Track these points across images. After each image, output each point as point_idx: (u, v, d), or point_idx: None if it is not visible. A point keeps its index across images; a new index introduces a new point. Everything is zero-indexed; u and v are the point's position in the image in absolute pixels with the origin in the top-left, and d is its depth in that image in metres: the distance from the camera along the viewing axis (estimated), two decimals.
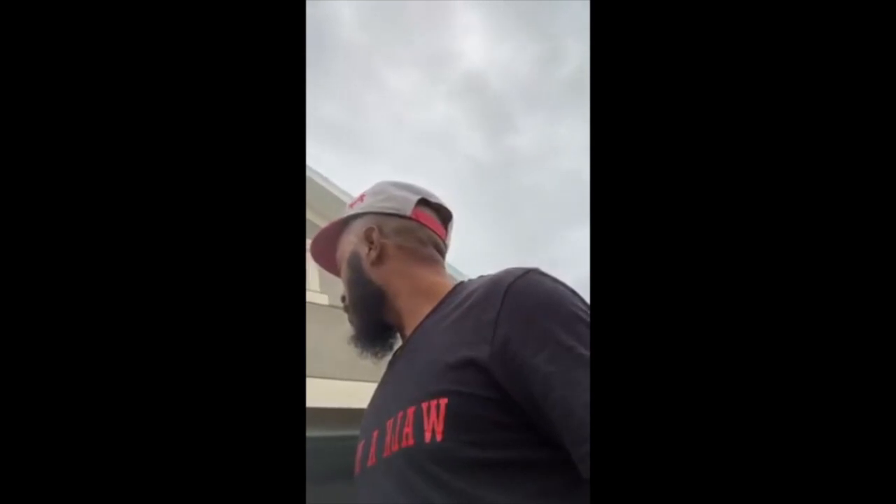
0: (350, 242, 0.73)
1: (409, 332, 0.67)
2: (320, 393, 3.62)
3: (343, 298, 0.74)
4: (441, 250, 0.74)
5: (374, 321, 0.71)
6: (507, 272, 0.57)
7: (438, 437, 0.50)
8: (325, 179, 5.34)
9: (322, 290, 5.06)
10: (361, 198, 0.75)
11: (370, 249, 0.70)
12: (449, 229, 0.77)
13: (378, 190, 0.75)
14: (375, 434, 0.59)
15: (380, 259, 0.69)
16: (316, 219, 5.29)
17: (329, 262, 0.79)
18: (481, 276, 0.63)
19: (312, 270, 5.09)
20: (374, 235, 0.70)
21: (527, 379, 0.49)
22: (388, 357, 0.72)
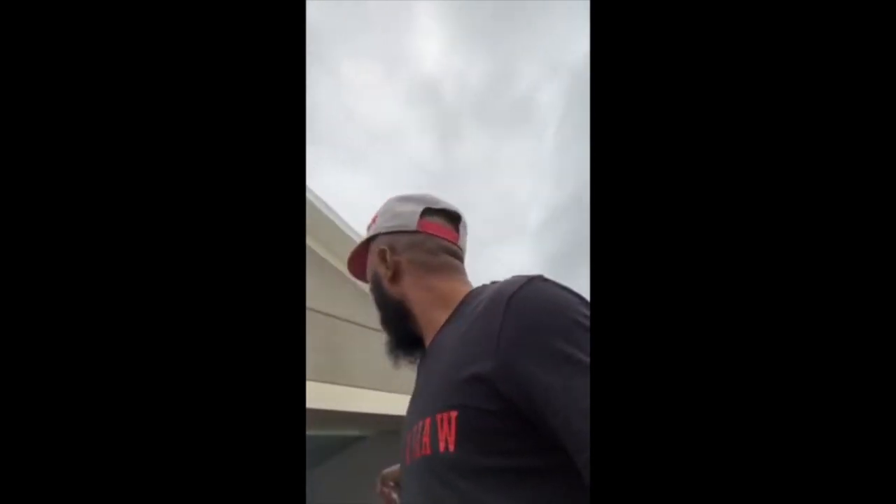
0: (371, 264, 0.78)
1: (429, 340, 0.70)
2: None
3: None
4: (455, 254, 0.76)
5: (402, 334, 0.74)
6: (510, 282, 0.58)
7: (451, 448, 0.53)
8: None
9: None
10: (374, 220, 0.79)
11: (386, 269, 0.74)
12: (460, 230, 0.79)
13: (385, 209, 0.78)
14: (408, 437, 0.63)
15: (396, 276, 0.73)
16: None
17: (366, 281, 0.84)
18: (493, 282, 0.64)
19: None
20: (388, 255, 0.74)
21: (529, 389, 0.49)
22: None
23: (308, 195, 5.13)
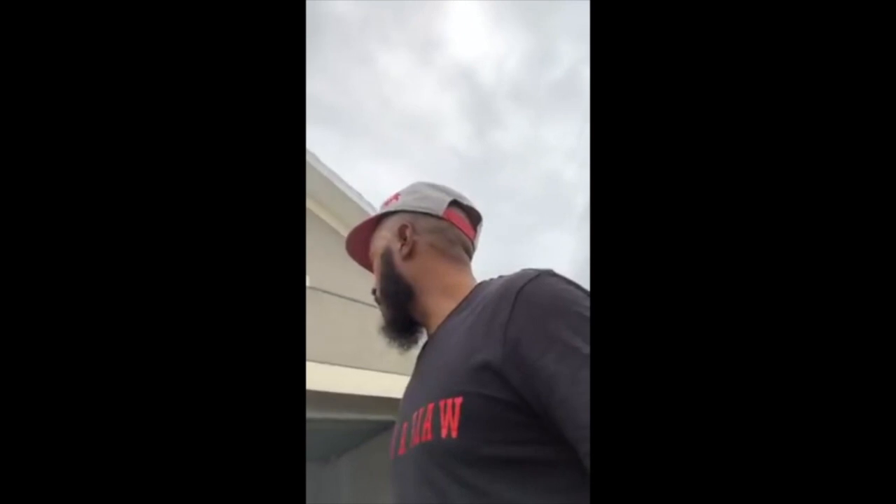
0: (384, 238, 0.76)
1: (433, 328, 0.70)
2: None
3: (374, 291, 0.77)
4: (469, 251, 0.77)
5: (401, 315, 0.73)
6: (520, 275, 0.59)
7: (454, 434, 0.52)
8: (311, 154, 5.25)
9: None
10: (396, 196, 0.78)
11: (402, 245, 0.73)
12: (478, 231, 0.80)
13: (413, 189, 0.78)
14: (405, 426, 0.62)
15: (411, 255, 0.72)
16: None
17: (362, 257, 0.83)
18: (500, 276, 0.65)
19: None
20: (408, 232, 0.73)
21: (535, 380, 0.50)
22: (410, 349, 0.75)
23: (346, 189, 5.20)
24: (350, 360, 3.91)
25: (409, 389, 0.69)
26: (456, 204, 0.76)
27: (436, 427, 0.54)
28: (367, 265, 0.82)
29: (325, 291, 4.43)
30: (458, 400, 0.53)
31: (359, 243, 0.81)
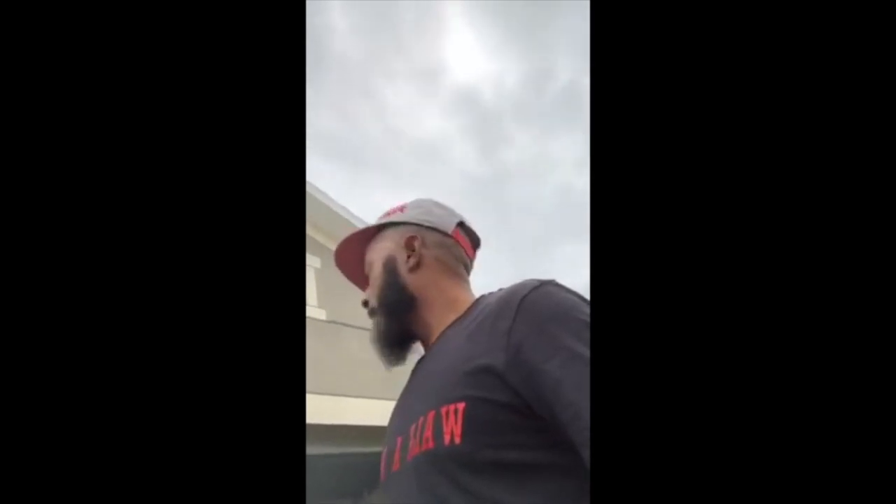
0: (387, 248, 0.76)
1: (430, 341, 0.70)
2: (315, 410, 3.58)
3: (365, 302, 0.77)
4: (468, 270, 0.79)
5: (398, 326, 0.73)
6: (523, 284, 0.59)
7: (457, 440, 0.52)
8: (320, 191, 5.33)
9: (320, 305, 5.05)
10: (402, 208, 0.79)
11: (409, 256, 0.73)
12: (475, 255, 0.82)
13: (419, 204, 0.79)
14: (400, 440, 0.61)
15: (417, 267, 0.73)
16: (311, 231, 5.30)
17: (352, 268, 0.82)
18: (500, 289, 0.65)
19: (310, 285, 5.05)
20: (416, 244, 0.73)
21: (539, 384, 0.50)
22: (398, 366, 0.74)
23: (359, 224, 5.26)
24: (374, 392, 3.89)
25: (402, 404, 0.68)
26: (461, 225, 0.78)
27: (437, 434, 0.54)
28: (354, 276, 0.82)
29: (343, 324, 4.44)
30: (461, 405, 0.53)
31: (351, 253, 0.80)
